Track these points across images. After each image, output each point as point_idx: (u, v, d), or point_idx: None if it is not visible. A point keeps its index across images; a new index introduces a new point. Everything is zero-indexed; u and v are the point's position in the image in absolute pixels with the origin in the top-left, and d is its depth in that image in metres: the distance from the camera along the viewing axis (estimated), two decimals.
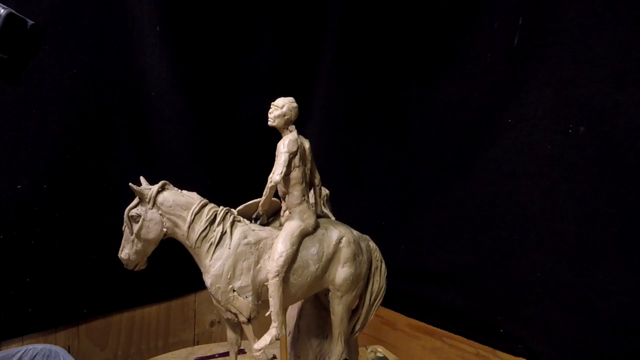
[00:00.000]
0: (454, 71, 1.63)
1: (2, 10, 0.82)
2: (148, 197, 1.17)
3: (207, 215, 1.19)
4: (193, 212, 1.18)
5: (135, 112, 1.69)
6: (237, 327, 1.32)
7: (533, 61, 1.44)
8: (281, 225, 1.29)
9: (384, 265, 1.40)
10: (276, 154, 1.23)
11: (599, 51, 1.32)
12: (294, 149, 1.22)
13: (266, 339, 1.19)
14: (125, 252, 1.20)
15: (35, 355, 1.37)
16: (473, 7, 1.56)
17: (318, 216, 1.36)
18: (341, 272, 1.28)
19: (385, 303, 1.84)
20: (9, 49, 0.85)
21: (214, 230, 1.19)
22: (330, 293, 1.31)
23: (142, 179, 1.22)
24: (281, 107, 1.22)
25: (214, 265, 1.18)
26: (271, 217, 1.35)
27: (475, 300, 1.61)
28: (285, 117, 1.23)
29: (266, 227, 1.31)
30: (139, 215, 1.17)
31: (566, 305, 1.41)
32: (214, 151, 1.93)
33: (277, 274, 1.18)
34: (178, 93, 1.79)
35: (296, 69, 2.06)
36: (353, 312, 1.39)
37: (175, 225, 1.19)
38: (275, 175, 1.19)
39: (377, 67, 1.85)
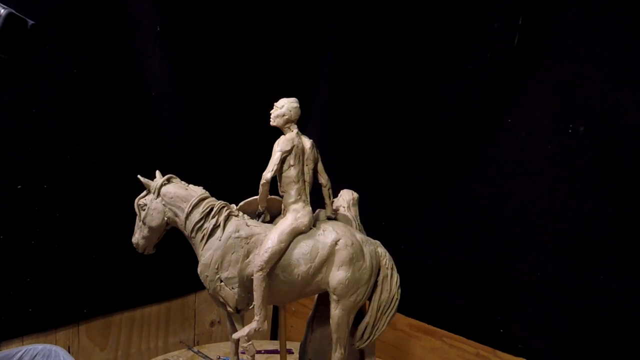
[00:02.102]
0: (454, 71, 1.63)
1: (2, 10, 0.82)
2: (153, 188, 1.27)
3: (203, 208, 1.26)
4: (191, 204, 1.25)
5: (135, 112, 1.69)
6: (237, 323, 1.32)
7: (533, 61, 1.44)
8: None
9: (395, 274, 1.36)
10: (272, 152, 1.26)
11: (599, 51, 1.32)
12: (287, 147, 1.24)
13: (245, 330, 1.24)
14: (136, 237, 1.30)
15: (35, 355, 1.37)
16: (473, 7, 1.56)
17: (328, 218, 1.36)
18: (336, 275, 1.26)
19: None
20: (9, 49, 0.85)
21: (208, 222, 1.25)
22: (329, 296, 1.30)
23: (157, 173, 1.31)
24: (281, 107, 1.25)
25: (204, 255, 1.25)
26: (277, 215, 1.36)
27: (475, 300, 1.61)
28: (285, 117, 1.25)
29: (265, 224, 1.32)
30: (145, 205, 1.28)
31: (566, 305, 1.41)
32: (214, 151, 1.93)
33: (260, 268, 1.21)
34: (178, 93, 1.79)
35: (296, 69, 2.06)
36: (360, 320, 1.35)
37: (175, 215, 1.27)
38: (267, 173, 1.24)
39: (377, 67, 1.84)
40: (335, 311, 1.28)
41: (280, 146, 1.24)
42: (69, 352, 1.42)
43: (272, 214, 1.36)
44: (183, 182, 1.31)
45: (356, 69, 1.91)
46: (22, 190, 1.46)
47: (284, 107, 1.25)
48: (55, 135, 1.51)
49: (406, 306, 1.79)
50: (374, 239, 1.40)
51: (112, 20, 1.59)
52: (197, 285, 1.93)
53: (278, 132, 1.27)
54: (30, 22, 0.87)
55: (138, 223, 1.29)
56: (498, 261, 1.55)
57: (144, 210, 1.27)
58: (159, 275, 1.78)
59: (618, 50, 1.29)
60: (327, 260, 1.27)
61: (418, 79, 1.73)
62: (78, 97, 1.54)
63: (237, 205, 1.32)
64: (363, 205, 1.90)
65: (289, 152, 1.24)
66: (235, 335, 1.26)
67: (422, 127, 1.73)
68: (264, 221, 1.33)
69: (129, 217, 1.29)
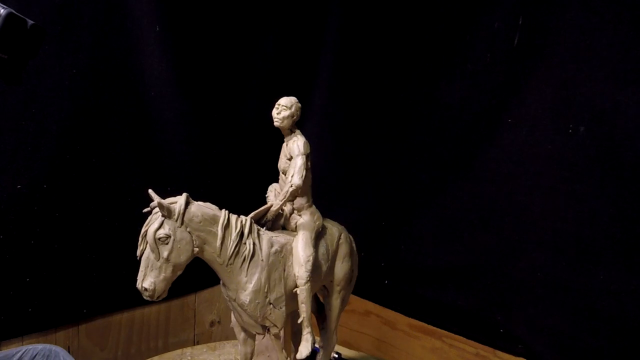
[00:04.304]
0: (454, 71, 1.63)
1: (2, 10, 0.82)
2: (176, 213, 1.03)
3: (236, 228, 1.10)
4: (222, 225, 1.08)
5: (135, 112, 1.69)
6: (249, 341, 1.30)
7: (533, 61, 1.44)
8: (285, 228, 1.29)
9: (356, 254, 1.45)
10: (289, 156, 1.22)
11: (599, 51, 1.32)
12: (309, 150, 1.22)
13: (307, 346, 1.17)
14: (150, 280, 1.03)
15: (35, 355, 1.37)
16: (473, 7, 1.56)
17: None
18: (342, 268, 1.31)
19: (386, 303, 1.85)
20: (9, 49, 0.84)
21: (245, 243, 1.11)
22: (330, 288, 1.32)
23: (151, 192, 1.05)
24: (290, 108, 1.20)
25: (251, 281, 1.11)
26: (267, 222, 1.33)
27: (475, 300, 1.61)
28: (294, 118, 1.22)
29: (279, 232, 1.27)
30: (168, 236, 1.02)
31: (566, 305, 1.41)
32: (214, 151, 1.93)
33: (308, 279, 1.16)
34: (178, 93, 1.79)
35: (296, 69, 2.06)
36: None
37: (205, 242, 1.07)
38: (296, 179, 1.16)
39: (377, 67, 1.85)
40: (337, 301, 1.33)
41: (303, 149, 1.20)
42: (69, 352, 1.42)
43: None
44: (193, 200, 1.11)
45: (356, 69, 1.91)
46: (22, 190, 1.46)
47: (293, 107, 1.20)
48: (55, 135, 1.50)
49: (406, 306, 1.79)
50: (374, 239, 1.42)
51: (112, 20, 1.59)
52: (197, 285, 1.95)
53: (278, 132, 1.26)
54: (30, 22, 0.87)
55: (155, 263, 1.03)
56: (498, 261, 1.55)
57: (167, 244, 1.01)
58: None
59: (618, 50, 1.29)
60: (335, 255, 1.30)
61: (418, 79, 1.73)
62: (78, 97, 1.54)
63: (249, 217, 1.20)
64: (363, 205, 1.90)
65: (309, 155, 1.22)
66: (300, 356, 1.17)
67: (422, 127, 1.73)
68: (267, 229, 1.26)
69: (129, 217, 1.27)
